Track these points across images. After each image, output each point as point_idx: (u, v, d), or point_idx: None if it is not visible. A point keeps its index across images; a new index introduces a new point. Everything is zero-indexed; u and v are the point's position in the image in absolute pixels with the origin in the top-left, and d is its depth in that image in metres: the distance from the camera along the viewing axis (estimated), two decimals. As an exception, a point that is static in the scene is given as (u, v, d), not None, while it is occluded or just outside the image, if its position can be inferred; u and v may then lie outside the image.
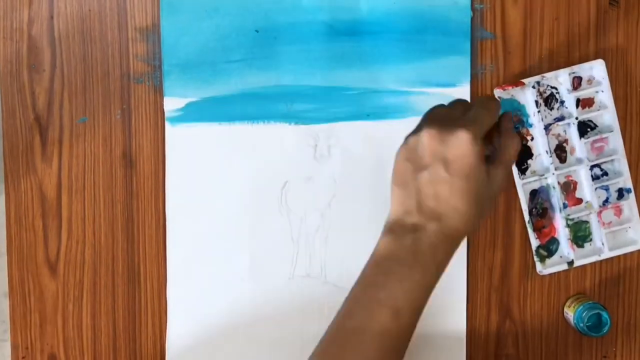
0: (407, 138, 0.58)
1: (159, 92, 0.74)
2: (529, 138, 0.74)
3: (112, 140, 0.74)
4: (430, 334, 0.74)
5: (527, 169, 0.74)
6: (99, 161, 0.74)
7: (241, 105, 0.73)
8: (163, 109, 0.74)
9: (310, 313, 0.74)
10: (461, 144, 0.55)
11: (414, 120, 0.73)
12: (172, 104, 0.74)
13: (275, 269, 0.74)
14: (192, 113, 0.74)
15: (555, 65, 0.74)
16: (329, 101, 0.73)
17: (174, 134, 0.74)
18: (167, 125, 0.74)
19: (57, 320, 0.75)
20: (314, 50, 0.73)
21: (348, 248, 0.74)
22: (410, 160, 0.57)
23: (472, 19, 0.73)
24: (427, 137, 0.56)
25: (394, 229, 0.57)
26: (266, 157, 0.74)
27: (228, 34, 0.73)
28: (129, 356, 0.75)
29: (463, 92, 0.73)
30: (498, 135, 0.60)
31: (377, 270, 0.57)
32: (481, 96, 0.60)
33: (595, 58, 0.73)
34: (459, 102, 0.61)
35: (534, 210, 0.74)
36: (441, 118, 0.58)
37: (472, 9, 0.73)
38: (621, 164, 0.74)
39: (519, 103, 0.74)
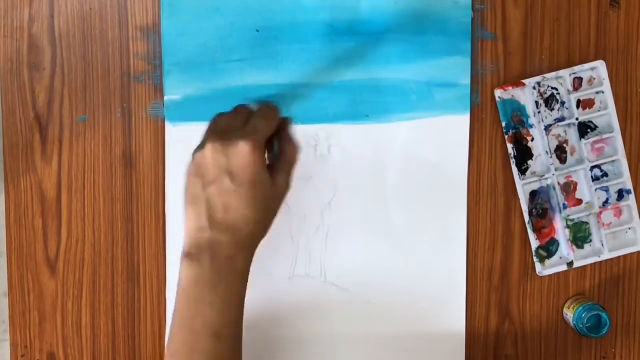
0: (194, 154, 0.60)
1: (159, 91, 0.74)
2: (529, 139, 0.74)
3: (112, 139, 0.74)
4: (430, 334, 0.74)
5: (527, 169, 0.74)
6: (99, 160, 0.74)
7: (241, 104, 0.73)
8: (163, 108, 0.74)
9: (310, 313, 0.74)
10: (243, 155, 0.57)
11: (414, 120, 0.74)
12: (172, 103, 0.73)
13: (275, 269, 0.74)
14: (193, 112, 0.73)
15: (555, 66, 0.73)
16: (330, 101, 0.73)
17: (174, 133, 0.74)
18: (167, 124, 0.74)
19: (57, 319, 0.75)
20: (314, 50, 0.73)
21: (348, 248, 0.74)
22: (198, 175, 0.59)
23: (473, 19, 0.73)
24: (210, 151, 0.58)
25: (190, 252, 0.58)
26: (266, 157, 0.74)
27: (229, 33, 0.73)
28: (128, 355, 0.75)
29: (463, 93, 0.73)
30: (278, 141, 0.63)
31: (186, 300, 0.59)
32: (261, 104, 0.63)
33: (596, 59, 0.73)
34: (241, 109, 0.63)
35: (534, 211, 0.74)
36: (223, 130, 0.60)
37: (473, 9, 0.73)
38: (621, 165, 0.74)
39: (519, 104, 0.74)
